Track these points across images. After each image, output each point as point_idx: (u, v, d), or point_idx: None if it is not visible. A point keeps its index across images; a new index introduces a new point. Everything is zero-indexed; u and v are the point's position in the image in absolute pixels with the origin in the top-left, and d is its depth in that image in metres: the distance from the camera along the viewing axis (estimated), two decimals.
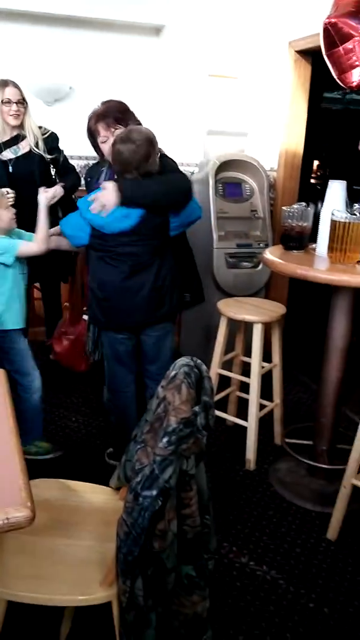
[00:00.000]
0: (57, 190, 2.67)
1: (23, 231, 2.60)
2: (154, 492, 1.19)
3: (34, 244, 2.36)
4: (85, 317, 2.78)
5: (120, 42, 3.83)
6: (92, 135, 2.42)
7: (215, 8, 3.59)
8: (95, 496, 1.67)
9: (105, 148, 2.35)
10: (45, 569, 1.39)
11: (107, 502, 1.64)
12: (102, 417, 2.97)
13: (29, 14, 3.53)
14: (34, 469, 2.48)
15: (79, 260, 3.16)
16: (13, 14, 3.52)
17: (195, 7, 3.56)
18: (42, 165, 2.93)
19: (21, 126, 2.88)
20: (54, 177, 2.99)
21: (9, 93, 2.78)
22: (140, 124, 2.43)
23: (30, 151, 2.89)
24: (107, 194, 2.12)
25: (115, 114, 2.34)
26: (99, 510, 1.62)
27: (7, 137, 2.88)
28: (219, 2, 3.58)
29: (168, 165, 2.30)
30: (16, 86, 2.83)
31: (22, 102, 2.83)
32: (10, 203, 2.49)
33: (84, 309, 2.89)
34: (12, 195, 2.58)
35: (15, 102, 2.79)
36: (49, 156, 2.92)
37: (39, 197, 2.41)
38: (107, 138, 2.33)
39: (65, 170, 3.06)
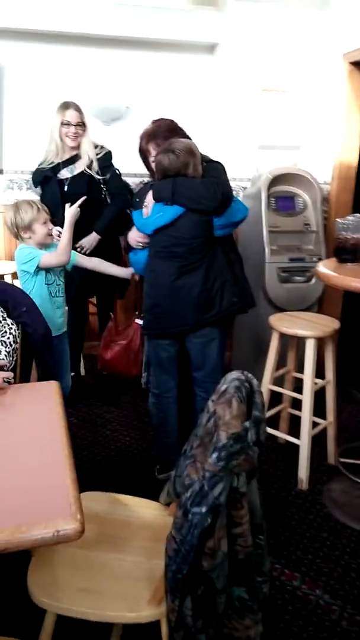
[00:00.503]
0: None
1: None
2: (204, 509, 1.17)
3: (53, 255, 2.46)
4: (138, 321, 2.80)
5: (175, 61, 3.88)
6: (144, 154, 2.50)
7: (267, 23, 3.60)
8: (145, 511, 1.66)
9: None
10: (94, 584, 1.38)
11: (156, 517, 1.63)
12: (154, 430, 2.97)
13: (86, 37, 3.63)
14: (85, 482, 2.51)
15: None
16: (72, 37, 3.64)
17: (248, 24, 3.58)
18: (94, 185, 3.00)
19: (78, 147, 2.96)
20: (103, 195, 3.04)
21: (70, 115, 2.88)
22: (191, 140, 2.45)
23: (83, 171, 2.96)
24: (148, 196, 2.30)
25: (164, 133, 2.40)
26: (149, 525, 1.61)
27: (65, 157, 2.97)
28: (271, 17, 3.59)
29: (210, 170, 2.32)
30: (77, 109, 2.92)
31: (82, 125, 2.91)
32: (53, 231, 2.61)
33: (136, 312, 2.94)
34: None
35: (75, 125, 2.88)
36: (99, 177, 2.98)
37: (66, 212, 2.50)
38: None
39: (112, 194, 3.08)
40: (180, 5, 3.75)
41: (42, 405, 1.64)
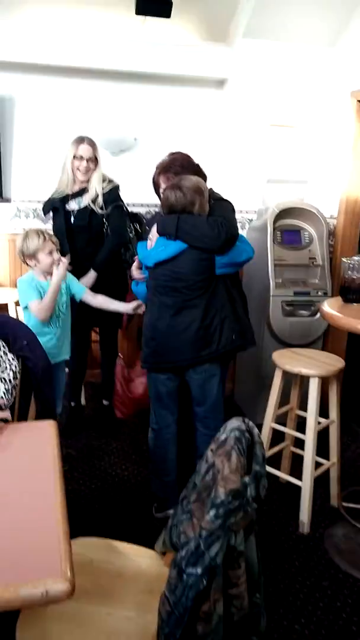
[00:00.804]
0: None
1: (74, 279, 2.80)
2: (199, 570, 1.13)
3: (38, 308, 2.53)
4: None
5: (184, 95, 3.92)
6: (156, 185, 2.51)
7: (276, 60, 3.63)
8: (140, 560, 1.61)
9: None
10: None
11: (151, 567, 1.57)
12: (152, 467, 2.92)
13: (96, 71, 3.68)
14: (80, 518, 2.46)
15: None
16: (82, 71, 3.68)
17: (257, 60, 3.61)
18: (97, 219, 3.01)
19: (88, 180, 2.97)
20: (105, 229, 3.05)
21: (82, 150, 2.90)
22: (205, 176, 2.46)
23: (87, 206, 2.98)
24: (153, 229, 2.33)
25: (176, 167, 2.40)
26: (143, 575, 1.55)
27: (75, 189, 2.99)
28: (280, 54, 3.62)
29: (218, 209, 2.31)
30: (91, 144, 2.94)
31: (94, 160, 2.93)
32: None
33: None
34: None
35: (87, 159, 2.90)
36: (101, 212, 2.98)
37: (54, 273, 2.54)
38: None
39: (111, 230, 3.07)
40: (190, 40, 3.79)
41: (37, 447, 1.60)
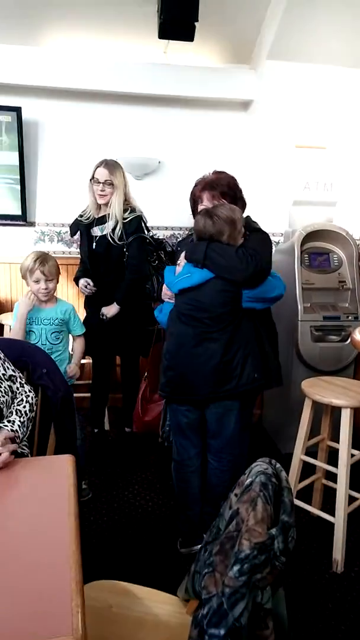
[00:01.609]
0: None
1: (78, 319, 2.77)
2: (222, 632, 1.03)
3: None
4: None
5: (208, 118, 3.90)
6: (195, 201, 2.40)
7: (301, 81, 3.59)
8: (161, 607, 1.51)
9: None
10: None
11: (172, 616, 1.48)
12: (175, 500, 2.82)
13: (121, 95, 3.69)
14: (101, 553, 2.37)
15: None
16: (107, 95, 3.70)
17: (282, 81, 3.58)
18: (115, 249, 2.97)
19: (108, 205, 2.94)
20: (125, 259, 3.00)
21: (98, 173, 2.89)
22: (244, 202, 2.39)
23: (106, 235, 2.95)
24: (182, 254, 2.24)
25: (223, 187, 2.31)
26: (164, 625, 1.45)
27: (98, 214, 2.96)
28: (305, 75, 3.58)
29: (252, 241, 2.22)
30: (108, 168, 2.90)
31: (110, 184, 2.89)
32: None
33: None
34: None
35: (102, 183, 2.87)
36: (119, 242, 2.93)
37: (20, 301, 2.59)
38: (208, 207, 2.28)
39: (128, 263, 3.00)
40: (213, 63, 3.78)
41: (53, 484, 1.53)
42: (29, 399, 1.84)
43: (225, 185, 2.31)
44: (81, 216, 3.04)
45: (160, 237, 3.43)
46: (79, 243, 3.21)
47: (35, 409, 1.88)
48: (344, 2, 3.17)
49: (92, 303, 3.11)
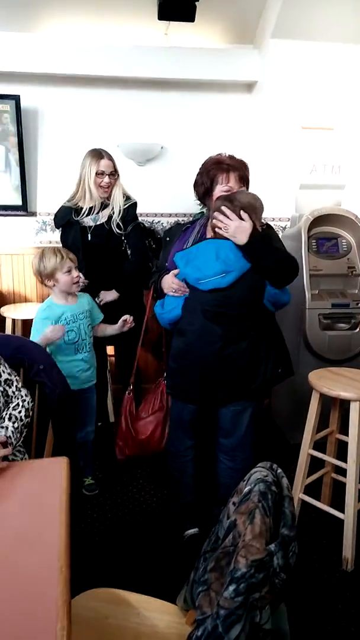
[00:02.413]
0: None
1: (96, 306, 2.71)
2: None
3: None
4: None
5: (211, 100, 3.78)
6: (212, 181, 2.16)
7: (306, 60, 3.45)
8: (159, 617, 1.44)
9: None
10: None
11: (170, 627, 1.41)
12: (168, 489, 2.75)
13: (121, 79, 3.58)
14: (104, 551, 2.31)
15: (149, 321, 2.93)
16: (107, 80, 3.59)
17: (286, 61, 3.44)
18: (114, 237, 2.87)
19: (109, 197, 2.85)
20: (124, 248, 2.90)
21: (104, 165, 2.77)
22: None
23: (103, 224, 2.85)
24: (243, 225, 1.99)
25: (245, 171, 2.20)
26: (161, 636, 1.39)
27: (93, 204, 2.85)
28: (311, 54, 3.44)
29: (275, 239, 2.18)
30: (110, 158, 2.81)
31: (114, 173, 2.81)
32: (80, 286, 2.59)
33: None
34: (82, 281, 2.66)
35: (108, 174, 2.78)
36: (119, 232, 2.83)
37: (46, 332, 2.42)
38: (233, 189, 2.14)
39: (132, 250, 2.92)
40: (216, 44, 3.65)
41: (45, 491, 1.46)
42: (25, 403, 1.77)
43: (246, 169, 2.21)
44: (69, 201, 2.89)
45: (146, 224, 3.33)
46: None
47: (31, 414, 1.81)
48: None
49: None
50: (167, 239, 2.41)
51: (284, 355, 2.22)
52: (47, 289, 2.59)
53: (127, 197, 2.90)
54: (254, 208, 2.05)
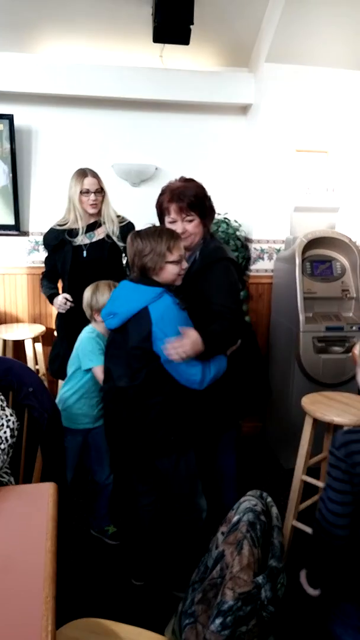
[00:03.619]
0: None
1: None
2: None
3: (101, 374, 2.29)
4: None
5: (206, 123, 3.80)
6: (162, 212, 2.25)
7: (301, 84, 3.49)
8: None
9: (176, 229, 2.15)
10: None
11: None
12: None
13: (117, 100, 3.60)
14: (92, 585, 2.25)
15: None
16: (103, 101, 3.61)
17: (281, 84, 3.47)
18: (114, 252, 2.85)
19: (99, 214, 2.84)
20: (124, 265, 2.91)
21: (88, 183, 2.77)
22: (214, 212, 2.28)
23: (104, 238, 2.84)
24: (192, 337, 1.84)
25: (191, 198, 2.14)
26: None
27: (85, 224, 2.84)
28: (305, 78, 3.48)
29: (215, 286, 2.10)
30: (95, 176, 2.81)
31: (100, 191, 2.80)
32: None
33: None
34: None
35: (94, 192, 2.77)
36: (122, 244, 2.83)
37: None
38: (176, 221, 2.16)
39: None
40: (210, 66, 3.69)
41: (32, 517, 1.43)
42: (10, 423, 1.74)
43: (192, 195, 2.14)
44: (61, 226, 2.86)
45: None
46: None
47: (16, 434, 1.77)
48: (344, 2, 3.07)
49: (68, 323, 2.84)
50: None
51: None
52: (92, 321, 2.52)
53: (123, 218, 2.91)
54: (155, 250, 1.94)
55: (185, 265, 2.02)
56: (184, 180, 2.25)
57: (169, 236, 1.96)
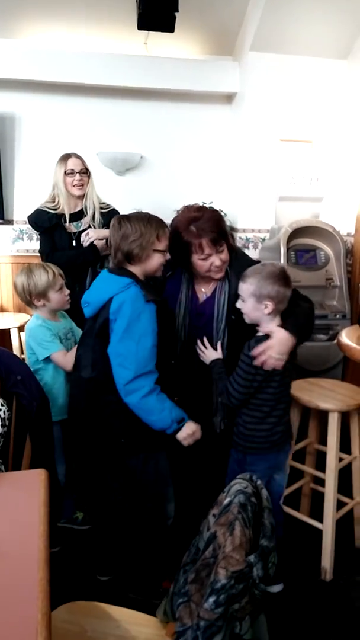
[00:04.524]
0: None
1: (74, 325, 2.47)
2: None
3: (69, 360, 2.20)
4: None
5: (191, 111, 3.81)
6: (188, 250, 1.96)
7: (286, 73, 3.50)
8: (139, 630, 1.42)
9: (205, 265, 1.99)
10: None
11: (150, 639, 1.39)
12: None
13: (101, 88, 3.59)
14: (84, 569, 2.26)
15: None
16: (87, 88, 3.59)
17: (266, 73, 3.49)
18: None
19: (85, 197, 2.83)
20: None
21: (72, 163, 2.77)
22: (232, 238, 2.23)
23: (89, 226, 2.83)
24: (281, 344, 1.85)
25: (217, 227, 1.96)
26: None
27: (73, 210, 2.83)
28: (290, 67, 3.49)
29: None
30: (78, 157, 2.81)
31: (85, 172, 2.79)
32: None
33: None
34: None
35: (78, 172, 2.76)
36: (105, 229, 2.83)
37: None
38: (211, 255, 1.97)
39: None
40: (195, 55, 3.68)
41: (23, 503, 1.44)
42: (1, 413, 1.75)
43: (216, 225, 1.97)
44: (51, 209, 2.81)
45: None
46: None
47: (7, 423, 1.78)
48: None
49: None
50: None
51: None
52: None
53: (107, 205, 2.91)
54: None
55: (168, 256, 1.93)
56: (197, 210, 2.03)
57: (159, 224, 1.89)
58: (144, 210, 2.23)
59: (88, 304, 1.93)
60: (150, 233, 1.85)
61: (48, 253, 2.84)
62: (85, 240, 2.75)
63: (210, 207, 2.10)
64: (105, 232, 2.72)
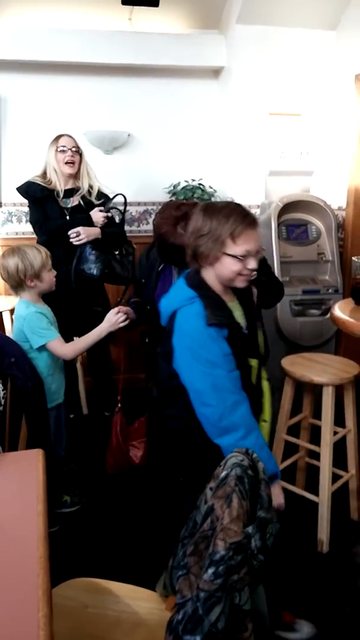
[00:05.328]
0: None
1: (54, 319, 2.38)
2: (198, 639, 0.96)
3: (68, 349, 2.19)
4: None
5: (178, 87, 3.75)
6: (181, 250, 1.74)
7: (273, 46, 3.44)
8: (139, 604, 1.44)
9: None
10: None
11: (151, 614, 1.41)
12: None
13: (87, 65, 3.52)
14: (78, 540, 2.30)
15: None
16: (72, 66, 3.52)
17: (253, 46, 3.43)
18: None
19: (77, 177, 2.82)
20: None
21: (64, 141, 2.79)
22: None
23: (79, 204, 2.81)
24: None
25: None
26: (142, 623, 1.39)
27: (64, 187, 2.82)
28: (278, 40, 3.43)
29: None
30: (70, 136, 2.83)
31: (77, 151, 2.79)
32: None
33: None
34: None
35: (70, 149, 2.75)
36: (98, 202, 2.84)
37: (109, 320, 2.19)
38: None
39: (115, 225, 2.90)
40: (181, 29, 3.62)
41: (21, 482, 1.45)
42: None
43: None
44: (43, 183, 2.78)
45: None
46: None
47: (3, 402, 1.78)
48: None
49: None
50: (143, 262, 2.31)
51: None
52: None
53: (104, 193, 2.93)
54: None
55: (252, 265, 1.56)
56: (177, 207, 2.05)
57: (239, 220, 1.51)
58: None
59: (161, 312, 1.71)
60: (222, 230, 1.51)
61: (42, 222, 2.79)
62: (74, 240, 2.73)
63: (193, 201, 2.08)
64: (95, 231, 2.75)
